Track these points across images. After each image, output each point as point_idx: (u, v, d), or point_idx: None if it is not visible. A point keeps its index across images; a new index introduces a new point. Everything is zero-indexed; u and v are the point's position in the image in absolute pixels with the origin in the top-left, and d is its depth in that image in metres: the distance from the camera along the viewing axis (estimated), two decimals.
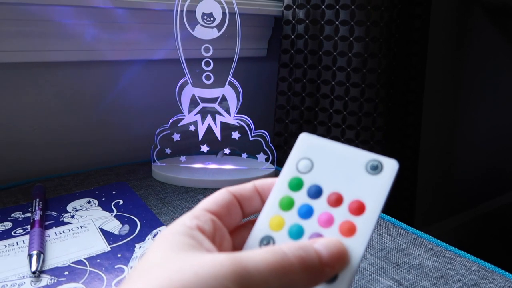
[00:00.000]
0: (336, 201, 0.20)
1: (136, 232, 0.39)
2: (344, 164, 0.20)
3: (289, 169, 0.21)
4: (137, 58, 0.63)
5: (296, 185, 0.21)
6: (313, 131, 0.71)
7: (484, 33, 1.17)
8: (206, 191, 0.53)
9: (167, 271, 0.15)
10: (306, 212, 0.20)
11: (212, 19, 0.52)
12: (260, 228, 0.20)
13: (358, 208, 0.19)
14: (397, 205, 0.86)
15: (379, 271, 0.35)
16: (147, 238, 0.38)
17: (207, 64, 0.54)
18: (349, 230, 0.19)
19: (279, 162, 0.71)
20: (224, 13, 0.52)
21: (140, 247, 0.36)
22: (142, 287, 0.15)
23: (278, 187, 0.21)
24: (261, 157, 0.57)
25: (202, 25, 0.53)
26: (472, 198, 1.39)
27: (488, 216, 1.42)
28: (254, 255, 0.16)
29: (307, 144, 0.21)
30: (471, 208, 1.39)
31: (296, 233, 0.20)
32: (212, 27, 0.52)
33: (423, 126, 0.89)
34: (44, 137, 0.58)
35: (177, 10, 0.53)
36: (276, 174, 0.58)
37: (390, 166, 0.20)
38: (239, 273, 0.15)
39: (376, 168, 0.20)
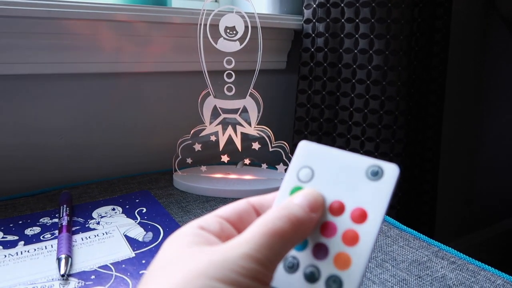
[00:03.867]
0: (338, 209, 0.20)
1: (160, 239, 0.40)
2: (345, 171, 0.20)
3: (290, 179, 0.21)
4: (161, 70, 0.65)
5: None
6: (332, 143, 0.72)
7: (506, 48, 1.16)
8: (226, 201, 0.53)
9: (183, 263, 0.17)
10: None
11: (234, 32, 0.54)
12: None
13: (360, 216, 0.19)
14: (417, 219, 0.85)
15: (401, 282, 0.35)
16: None
17: (229, 76, 0.55)
18: (352, 239, 0.19)
19: None
20: (246, 27, 0.53)
21: None
22: (163, 281, 0.16)
23: (280, 197, 0.21)
24: (281, 167, 0.58)
25: (225, 38, 0.54)
26: (494, 213, 1.36)
27: (509, 233, 1.39)
28: (253, 234, 0.17)
29: (307, 152, 0.22)
30: (493, 224, 1.36)
31: (301, 245, 0.20)
32: (235, 40, 0.54)
33: (443, 139, 0.88)
34: (70, 146, 0.60)
35: (200, 24, 0.54)
36: None
37: (391, 171, 0.20)
38: (247, 253, 0.17)
39: (376, 174, 0.20)
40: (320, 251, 0.20)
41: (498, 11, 1.02)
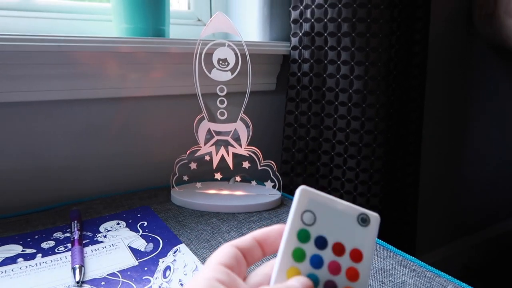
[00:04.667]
0: (340, 250, 0.24)
1: (159, 249, 0.45)
2: (341, 217, 0.25)
3: (295, 221, 0.24)
4: (160, 94, 0.71)
5: (304, 237, 0.24)
6: (318, 159, 0.78)
7: (484, 69, 1.23)
8: (219, 215, 0.59)
9: None
10: (318, 262, 0.24)
11: (226, 63, 0.60)
12: (279, 280, 0.23)
13: (358, 256, 0.24)
14: (399, 230, 0.91)
15: None
16: (168, 254, 0.44)
17: (222, 102, 0.61)
18: (355, 275, 0.24)
19: (285, 188, 0.78)
20: (237, 59, 0.60)
21: (163, 261, 0.43)
22: None
23: (289, 239, 0.24)
24: (269, 184, 0.64)
25: (217, 69, 0.60)
26: (474, 223, 1.42)
27: (490, 241, 1.44)
28: None
29: (307, 198, 0.25)
30: (473, 233, 1.42)
31: (314, 282, 0.23)
32: (226, 71, 0.60)
33: (423, 155, 0.94)
34: (76, 164, 0.66)
35: (196, 53, 0.61)
36: (282, 200, 0.64)
37: (375, 218, 0.25)
38: None
39: (365, 221, 0.25)
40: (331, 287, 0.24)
41: (477, 32, 1.08)
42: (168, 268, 0.41)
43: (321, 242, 0.24)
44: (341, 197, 0.78)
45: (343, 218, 0.25)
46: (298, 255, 0.24)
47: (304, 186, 0.25)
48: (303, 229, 0.24)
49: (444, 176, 1.25)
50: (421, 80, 0.86)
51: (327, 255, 0.24)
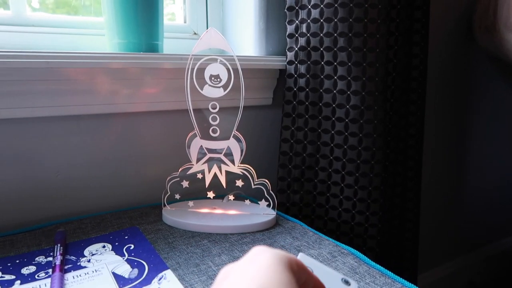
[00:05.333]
0: None
1: (144, 276, 0.43)
2: (329, 276, 0.33)
3: None
4: (152, 110, 0.70)
5: None
6: (315, 176, 0.76)
7: (486, 82, 1.21)
8: (211, 236, 0.57)
9: None
10: None
11: (218, 80, 0.58)
12: None
13: None
14: (400, 246, 0.88)
15: None
16: (153, 281, 0.42)
17: (214, 119, 0.60)
18: None
19: (281, 205, 0.76)
20: (229, 75, 0.58)
21: None
22: None
23: None
24: (263, 203, 0.62)
25: (209, 85, 0.59)
26: (476, 239, 1.39)
27: (496, 257, 1.41)
28: None
29: (306, 263, 0.32)
30: (478, 249, 1.39)
31: None
32: (219, 87, 0.58)
33: (423, 170, 0.92)
34: (66, 182, 0.64)
35: (188, 69, 0.59)
36: (277, 220, 0.62)
37: (354, 283, 0.34)
38: None
39: (347, 283, 0.34)
40: None
41: (477, 44, 1.07)
42: None
43: None
44: (339, 215, 0.76)
45: (331, 277, 0.33)
46: None
47: (302, 253, 0.33)
48: None
49: (446, 191, 1.23)
50: (420, 94, 0.84)
51: None
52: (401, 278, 0.46)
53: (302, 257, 0.34)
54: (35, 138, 0.61)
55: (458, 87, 1.16)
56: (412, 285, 0.44)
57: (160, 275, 0.44)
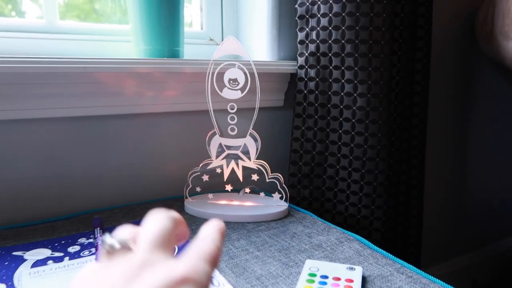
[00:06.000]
0: (338, 279, 0.44)
1: (174, 254, 0.49)
2: (338, 269, 0.46)
3: (304, 272, 0.46)
4: (175, 110, 0.76)
5: (312, 276, 0.45)
6: (324, 172, 0.81)
7: (489, 85, 1.26)
8: (230, 224, 0.63)
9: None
10: (322, 284, 0.43)
11: (236, 83, 0.64)
12: None
13: (351, 281, 0.44)
14: (404, 241, 0.93)
15: None
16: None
17: (232, 119, 0.66)
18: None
19: (292, 199, 0.81)
20: (246, 79, 0.64)
21: None
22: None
23: (302, 279, 0.44)
24: (276, 196, 0.68)
25: (228, 88, 0.65)
26: (481, 237, 1.43)
27: (501, 256, 1.45)
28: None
29: (314, 265, 0.47)
30: (482, 247, 1.43)
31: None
32: (237, 90, 0.65)
33: (427, 169, 0.97)
34: (98, 175, 0.71)
35: (209, 73, 0.65)
36: (289, 211, 0.68)
37: (359, 269, 0.45)
38: None
39: (352, 269, 0.45)
40: None
41: (481, 50, 1.12)
42: None
43: (323, 276, 0.45)
44: (346, 209, 0.81)
45: (338, 269, 0.46)
46: (310, 281, 0.44)
47: (308, 260, 0.49)
48: (310, 273, 0.46)
49: (451, 190, 1.27)
50: (423, 97, 0.89)
51: (329, 283, 0.43)
52: (400, 260, 0.51)
53: (309, 262, 0.47)
54: (69, 136, 0.68)
55: (460, 90, 1.20)
56: (410, 265, 0.50)
57: None
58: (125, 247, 0.23)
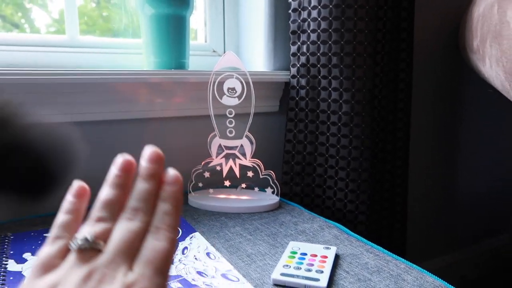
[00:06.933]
0: (314, 255, 0.54)
1: (179, 235, 0.59)
2: (316, 248, 0.56)
3: (287, 250, 0.56)
4: (181, 115, 0.86)
5: (293, 253, 0.55)
6: (313, 171, 0.91)
7: (472, 88, 1.34)
8: (227, 214, 0.72)
9: None
10: (301, 259, 0.53)
11: (234, 91, 0.74)
12: (281, 263, 0.53)
13: (325, 257, 0.54)
14: (390, 235, 1.02)
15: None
16: (186, 238, 0.58)
17: (230, 122, 0.76)
18: (323, 263, 0.52)
19: (285, 195, 0.91)
20: (243, 88, 0.74)
21: (182, 243, 0.56)
22: None
23: (285, 255, 0.54)
24: (269, 190, 0.77)
25: (227, 96, 0.75)
26: (469, 234, 1.50)
27: (487, 253, 1.52)
28: None
29: (297, 246, 0.57)
30: (468, 245, 1.50)
31: (299, 263, 0.52)
32: (234, 97, 0.74)
33: (413, 169, 1.06)
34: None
35: (210, 83, 0.75)
36: (280, 204, 0.77)
37: (333, 248, 0.56)
38: None
39: (328, 248, 0.55)
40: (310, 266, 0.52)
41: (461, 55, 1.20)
42: (185, 248, 0.55)
43: (302, 253, 0.55)
44: (334, 204, 0.90)
45: (316, 248, 0.56)
46: (291, 257, 0.54)
47: (292, 241, 0.60)
48: (292, 251, 0.56)
49: (438, 189, 1.36)
50: (407, 103, 0.98)
51: (307, 258, 0.54)
52: (371, 242, 0.60)
53: (292, 243, 0.57)
54: (89, 137, 0.78)
55: (444, 94, 1.29)
56: (379, 247, 0.59)
57: (191, 235, 0.59)
58: (95, 248, 0.24)
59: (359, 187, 0.88)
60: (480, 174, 1.45)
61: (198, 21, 1.01)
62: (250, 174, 0.77)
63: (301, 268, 0.51)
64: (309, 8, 0.85)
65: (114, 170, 0.30)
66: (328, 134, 0.88)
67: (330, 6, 0.82)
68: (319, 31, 0.85)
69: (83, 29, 0.87)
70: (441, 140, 1.32)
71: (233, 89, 0.74)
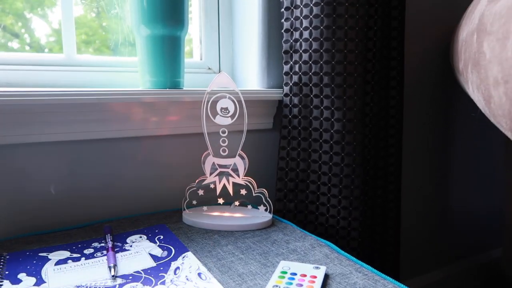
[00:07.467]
0: (304, 275, 0.54)
1: (172, 255, 0.60)
2: (304, 267, 0.56)
3: (278, 270, 0.56)
4: (174, 133, 0.87)
5: (283, 273, 0.55)
6: (306, 188, 0.92)
7: (465, 102, 1.36)
8: (220, 232, 0.73)
9: None
10: (291, 279, 0.53)
11: (227, 111, 0.76)
12: (271, 283, 0.52)
13: (314, 277, 0.54)
14: (383, 250, 1.03)
15: None
16: (178, 258, 0.59)
17: (223, 141, 0.77)
18: (312, 282, 0.52)
19: (278, 212, 0.92)
20: (235, 107, 0.76)
21: (174, 263, 0.57)
22: None
23: (275, 275, 0.54)
24: (262, 208, 0.78)
25: (220, 115, 0.76)
26: (464, 248, 1.51)
27: (482, 267, 1.53)
28: None
29: (287, 265, 0.57)
30: (463, 258, 1.51)
31: (289, 284, 0.52)
32: (227, 117, 0.76)
33: (406, 185, 1.07)
34: (107, 190, 0.82)
35: (204, 103, 0.77)
36: (272, 221, 0.79)
37: (323, 268, 0.56)
38: None
39: (318, 268, 0.55)
40: None
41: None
42: (178, 268, 0.56)
43: (292, 273, 0.55)
44: (327, 220, 0.91)
45: (306, 268, 0.56)
46: (281, 277, 0.54)
47: (283, 261, 0.59)
48: (282, 271, 0.56)
49: (429, 203, 1.37)
50: (398, 120, 1.00)
51: (296, 278, 0.54)
52: (360, 261, 0.61)
53: (283, 263, 0.57)
54: (85, 156, 0.79)
55: (436, 112, 1.31)
56: (368, 266, 0.60)
57: (183, 255, 0.60)
58: None
59: (352, 204, 0.89)
60: (472, 188, 1.46)
61: (194, 38, 1.03)
62: (243, 192, 0.78)
63: None
64: (301, 29, 0.88)
65: None
66: (320, 151, 0.89)
67: (321, 27, 0.85)
68: (310, 51, 0.87)
69: (83, 39, 0.89)
70: (432, 155, 1.33)
71: (226, 109, 0.76)
